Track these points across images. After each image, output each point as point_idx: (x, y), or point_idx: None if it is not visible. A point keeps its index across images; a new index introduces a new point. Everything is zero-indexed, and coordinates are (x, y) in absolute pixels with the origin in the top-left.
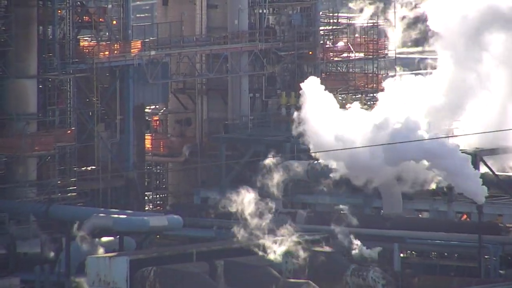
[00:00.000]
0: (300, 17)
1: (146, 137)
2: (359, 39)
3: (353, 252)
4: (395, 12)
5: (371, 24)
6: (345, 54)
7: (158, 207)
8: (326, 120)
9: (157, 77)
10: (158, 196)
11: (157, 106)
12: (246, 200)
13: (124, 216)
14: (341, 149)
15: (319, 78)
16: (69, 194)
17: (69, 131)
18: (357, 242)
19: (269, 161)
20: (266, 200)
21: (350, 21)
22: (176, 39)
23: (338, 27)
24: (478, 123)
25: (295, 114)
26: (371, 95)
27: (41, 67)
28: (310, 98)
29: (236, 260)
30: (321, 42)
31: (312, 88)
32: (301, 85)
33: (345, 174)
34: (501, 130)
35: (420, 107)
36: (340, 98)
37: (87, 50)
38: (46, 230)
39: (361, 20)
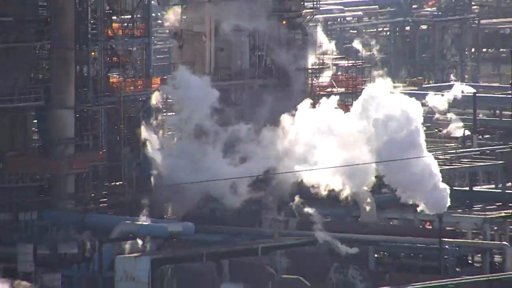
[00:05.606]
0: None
1: None
2: (341, 77)
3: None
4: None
5: (351, 64)
6: (329, 89)
7: (174, 216)
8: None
9: None
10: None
11: None
12: None
13: (147, 223)
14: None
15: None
16: (101, 205)
17: (100, 153)
18: (337, 243)
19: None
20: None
21: (334, 62)
22: None
23: (324, 67)
24: None
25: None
26: None
27: (78, 99)
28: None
29: (239, 260)
30: (309, 79)
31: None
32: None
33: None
34: None
35: None
36: None
37: (115, 86)
38: (82, 235)
39: (343, 60)
